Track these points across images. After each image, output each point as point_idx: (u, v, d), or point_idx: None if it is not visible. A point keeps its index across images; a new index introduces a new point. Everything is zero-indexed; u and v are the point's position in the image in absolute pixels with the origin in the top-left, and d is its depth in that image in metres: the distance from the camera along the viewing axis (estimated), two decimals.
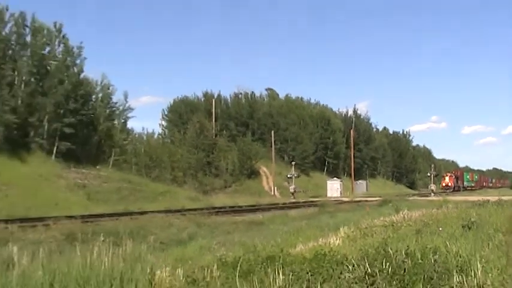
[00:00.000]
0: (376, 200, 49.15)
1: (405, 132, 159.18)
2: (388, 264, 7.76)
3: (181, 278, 7.97)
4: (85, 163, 57.60)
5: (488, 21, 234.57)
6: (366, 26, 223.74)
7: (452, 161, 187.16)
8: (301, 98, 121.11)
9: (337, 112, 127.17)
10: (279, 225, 24.19)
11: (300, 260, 8.70)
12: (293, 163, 77.46)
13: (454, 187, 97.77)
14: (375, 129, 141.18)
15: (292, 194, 70.81)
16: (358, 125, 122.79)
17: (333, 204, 45.69)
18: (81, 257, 8.28)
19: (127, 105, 71.24)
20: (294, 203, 53.69)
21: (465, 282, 7.49)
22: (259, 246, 11.79)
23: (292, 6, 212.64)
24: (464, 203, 31.09)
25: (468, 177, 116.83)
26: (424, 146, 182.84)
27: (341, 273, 7.77)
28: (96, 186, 51.99)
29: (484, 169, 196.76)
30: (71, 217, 24.46)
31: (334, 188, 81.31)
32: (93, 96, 64.83)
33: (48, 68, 57.56)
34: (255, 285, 7.52)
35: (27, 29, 56.86)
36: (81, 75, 61.44)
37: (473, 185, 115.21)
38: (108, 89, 66.84)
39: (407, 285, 7.37)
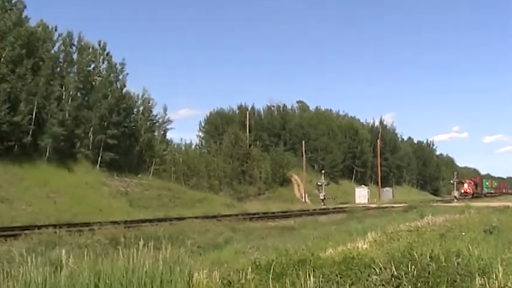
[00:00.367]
0: (402, 206, 48.68)
1: (429, 142, 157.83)
2: (413, 267, 7.70)
3: (218, 280, 7.99)
4: (127, 172, 58.12)
5: (508, 33, 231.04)
6: (392, 42, 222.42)
7: (474, 169, 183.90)
8: (330, 110, 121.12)
9: (364, 123, 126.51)
10: (310, 230, 24.05)
11: (330, 263, 8.66)
12: (323, 171, 77.34)
13: (473, 193, 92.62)
14: (400, 139, 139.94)
15: (322, 200, 70.52)
16: (384, 135, 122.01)
17: (360, 210, 45.34)
18: (124, 259, 8.36)
19: (166, 117, 71.83)
20: (323, 209, 53.55)
21: (487, 285, 7.39)
22: (291, 250, 11.73)
23: (322, 21, 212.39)
24: (486, 208, 30.63)
25: (487, 183, 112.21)
26: (447, 154, 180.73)
27: (369, 275, 7.72)
28: (138, 194, 52.38)
29: (505, 176, 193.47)
30: (114, 222, 24.65)
31: (361, 195, 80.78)
32: (135, 110, 65.44)
33: (93, 83, 58.32)
34: (287, 287, 7.51)
35: (74, 48, 57.75)
36: (124, 90, 62.11)
37: (492, 191, 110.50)
38: (149, 102, 67.43)
39: (431, 287, 7.30)
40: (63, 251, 9.50)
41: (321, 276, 7.72)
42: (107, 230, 20.97)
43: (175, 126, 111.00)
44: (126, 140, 60.68)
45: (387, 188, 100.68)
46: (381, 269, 7.93)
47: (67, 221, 29.81)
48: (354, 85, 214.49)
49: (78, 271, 7.96)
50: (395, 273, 7.58)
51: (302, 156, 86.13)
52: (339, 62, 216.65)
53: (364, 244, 13.32)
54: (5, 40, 47.05)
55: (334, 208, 53.92)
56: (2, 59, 46.42)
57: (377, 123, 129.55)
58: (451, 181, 79.77)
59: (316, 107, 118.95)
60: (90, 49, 58.59)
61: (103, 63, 60.32)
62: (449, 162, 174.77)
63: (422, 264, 7.94)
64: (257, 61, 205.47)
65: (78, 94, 56.23)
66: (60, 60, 56.40)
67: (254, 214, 40.46)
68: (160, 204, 50.92)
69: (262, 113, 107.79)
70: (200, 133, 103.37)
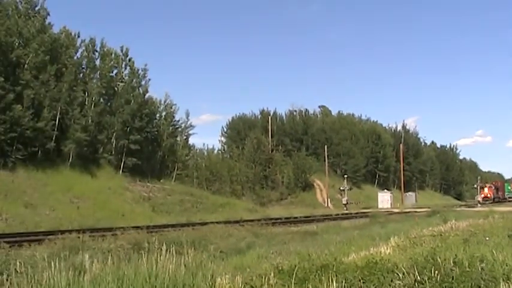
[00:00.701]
0: (425, 211, 48.45)
1: (452, 146, 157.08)
2: (436, 272, 7.65)
3: (240, 285, 7.98)
4: (150, 177, 58.44)
5: None
6: (415, 45, 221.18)
7: (498, 173, 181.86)
8: (353, 115, 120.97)
9: (387, 127, 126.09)
10: (332, 235, 23.94)
11: (353, 268, 8.61)
12: (345, 176, 77.27)
13: (493, 198, 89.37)
14: (423, 144, 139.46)
15: (345, 205, 70.41)
16: (407, 140, 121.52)
17: (383, 215, 45.11)
18: (147, 264, 8.39)
19: (188, 122, 72.18)
20: (346, 214, 53.34)
21: None
22: (313, 255, 11.69)
23: (340, 23, 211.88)
24: (510, 213, 30.32)
25: (510, 188, 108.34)
26: (470, 159, 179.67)
27: (392, 280, 7.68)
28: (160, 199, 52.61)
29: None
30: (137, 227, 24.72)
31: (384, 199, 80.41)
32: (157, 115, 65.84)
33: (116, 89, 58.76)
34: None
35: (97, 54, 58.25)
36: (146, 96, 62.59)
37: None
38: (171, 107, 67.79)
39: None
40: (87, 256, 9.57)
41: (344, 281, 7.69)
42: (130, 235, 21.06)
43: (198, 132, 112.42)
44: (148, 145, 61.01)
45: (410, 193, 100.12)
46: (404, 274, 7.88)
47: (90, 226, 29.98)
48: (376, 89, 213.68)
49: (102, 276, 8.01)
50: (418, 278, 7.54)
51: (324, 161, 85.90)
52: (361, 66, 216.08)
53: (387, 249, 13.26)
54: (29, 47, 47.60)
55: (357, 213, 53.68)
56: (25, 66, 46.95)
57: (399, 128, 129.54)
58: (475, 185, 79.00)
59: (339, 112, 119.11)
60: (113, 55, 59.06)
61: (125, 69, 60.87)
62: (472, 166, 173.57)
63: (446, 269, 7.88)
64: (279, 66, 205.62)
65: (101, 100, 56.68)
66: (83, 66, 56.97)
67: (276, 219, 40.40)
68: (183, 209, 51.06)
69: (284, 117, 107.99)
70: (222, 138, 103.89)
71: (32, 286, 7.80)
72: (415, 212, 50.66)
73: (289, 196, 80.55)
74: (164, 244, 10.65)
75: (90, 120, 52.73)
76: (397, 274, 7.92)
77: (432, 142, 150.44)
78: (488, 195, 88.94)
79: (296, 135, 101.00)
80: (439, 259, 8.49)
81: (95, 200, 44.36)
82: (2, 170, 42.16)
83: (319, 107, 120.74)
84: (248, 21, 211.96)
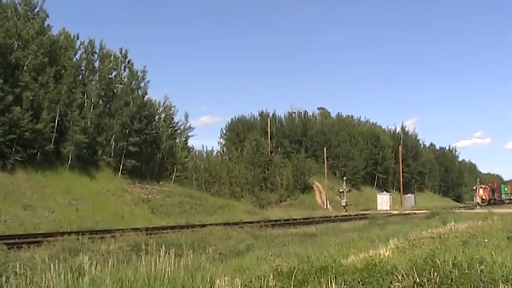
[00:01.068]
0: (424, 213, 48.48)
1: (451, 148, 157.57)
2: (435, 274, 7.66)
3: (240, 287, 7.99)
4: (149, 179, 58.45)
5: None
6: (413, 47, 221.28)
7: (497, 175, 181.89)
8: (352, 117, 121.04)
9: (386, 129, 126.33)
10: (332, 237, 23.94)
11: (352, 270, 8.62)
12: (344, 178, 77.30)
13: (489, 200, 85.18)
14: (422, 145, 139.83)
15: (344, 207, 70.43)
16: (406, 141, 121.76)
17: (382, 217, 45.09)
18: (146, 266, 8.40)
19: (188, 124, 72.00)
20: (345, 216, 53.33)
21: None
22: (312, 257, 11.70)
23: (340, 25, 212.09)
24: (509, 215, 30.36)
25: (507, 189, 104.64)
26: (469, 160, 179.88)
27: (391, 282, 7.69)
28: (160, 201, 52.60)
29: None
30: (136, 229, 24.68)
31: (383, 201, 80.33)
32: (156, 117, 65.80)
33: (115, 91, 58.69)
34: None
35: (96, 56, 58.23)
36: (145, 98, 62.50)
37: None
38: (170, 109, 67.70)
39: None
40: (86, 258, 9.58)
41: (343, 283, 7.70)
42: (129, 236, 21.03)
43: (197, 134, 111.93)
44: (147, 147, 61.03)
45: (409, 195, 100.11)
46: (403, 276, 7.89)
47: (89, 228, 30.00)
48: (376, 91, 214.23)
49: (101, 278, 8.01)
50: (417, 280, 7.55)
51: (324, 162, 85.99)
52: (360, 68, 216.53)
53: (386, 251, 13.28)
54: (28, 49, 47.57)
55: (356, 215, 53.66)
56: (24, 68, 46.93)
57: (399, 130, 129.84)
58: (474, 187, 78.63)
59: (338, 114, 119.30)
60: (112, 57, 58.96)
61: (124, 70, 60.75)
62: (471, 168, 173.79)
63: (445, 271, 7.90)
64: (278, 68, 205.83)
65: (100, 102, 56.63)
66: (82, 68, 56.89)
67: (276, 221, 40.41)
68: (182, 211, 51.07)
69: (283, 119, 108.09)
70: (221, 140, 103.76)
71: None
72: (414, 213, 50.67)
73: (288, 198, 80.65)
74: (163, 246, 10.67)
75: (89, 122, 52.70)
76: (396, 276, 7.93)
77: (431, 144, 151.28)
78: (484, 197, 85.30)
79: (295, 137, 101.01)
80: (438, 261, 8.50)
81: (94, 202, 44.35)
82: (1, 171, 42.11)
83: (318, 108, 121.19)
84: (248, 23, 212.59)
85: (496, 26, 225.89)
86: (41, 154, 47.51)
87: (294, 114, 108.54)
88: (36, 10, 52.04)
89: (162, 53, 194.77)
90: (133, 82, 60.43)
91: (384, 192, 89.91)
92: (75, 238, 20.06)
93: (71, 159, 49.82)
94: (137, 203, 49.51)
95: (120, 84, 59.37)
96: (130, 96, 58.65)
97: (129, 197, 50.47)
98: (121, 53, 60.25)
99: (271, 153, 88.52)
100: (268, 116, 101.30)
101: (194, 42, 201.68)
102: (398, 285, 7.46)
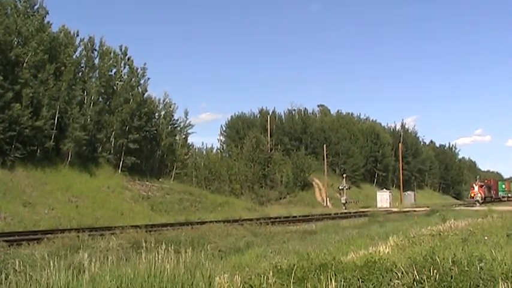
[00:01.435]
0: (424, 210, 48.51)
1: (451, 145, 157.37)
2: (435, 271, 7.65)
3: (239, 285, 7.99)
4: (149, 176, 58.44)
5: None
6: (413, 45, 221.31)
7: (497, 172, 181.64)
8: (352, 114, 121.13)
9: (385, 127, 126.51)
10: (331, 234, 23.93)
11: (351, 267, 8.62)
12: (344, 175, 77.37)
13: (484, 198, 79.23)
14: (422, 143, 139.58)
15: (344, 204, 70.48)
16: (406, 139, 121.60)
17: (382, 214, 45.11)
18: (146, 263, 8.40)
19: (187, 121, 71.91)
20: (345, 213, 53.35)
21: None
22: (312, 254, 11.71)
23: (339, 23, 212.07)
24: (509, 213, 30.37)
25: (504, 186, 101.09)
26: (469, 158, 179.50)
27: (390, 280, 7.69)
28: (159, 198, 52.61)
29: None
30: (136, 226, 24.72)
31: (383, 198, 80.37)
32: (156, 114, 65.80)
33: (115, 88, 58.66)
34: None
35: (96, 53, 58.19)
36: (145, 95, 62.48)
37: (510, 195, 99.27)
38: (170, 107, 67.63)
39: None
40: (86, 255, 9.57)
41: (343, 280, 7.70)
42: (129, 234, 21.05)
43: (197, 131, 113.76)
44: (147, 145, 61.05)
45: (409, 192, 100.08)
46: (402, 273, 7.90)
47: (89, 225, 30.04)
48: (376, 88, 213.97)
49: (100, 275, 8.02)
50: (417, 277, 7.55)
51: (323, 160, 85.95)
52: (360, 65, 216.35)
53: (386, 248, 13.28)
54: (28, 45, 47.57)
55: (356, 212, 53.72)
56: (24, 64, 46.90)
57: (398, 127, 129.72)
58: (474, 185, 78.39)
59: (338, 111, 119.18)
60: (112, 54, 58.91)
61: (124, 68, 60.71)
62: (471, 165, 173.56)
63: (445, 268, 7.90)
64: (278, 65, 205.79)
65: (100, 99, 56.64)
66: (82, 65, 56.84)
67: (275, 218, 40.42)
68: (182, 208, 51.09)
69: (283, 117, 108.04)
70: (221, 137, 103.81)
71: (30, 285, 7.82)
72: (414, 211, 50.72)
73: (288, 195, 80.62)
74: (163, 243, 10.67)
75: (89, 119, 52.69)
76: (396, 273, 7.93)
77: (431, 141, 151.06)
78: (479, 195, 78.51)
79: (295, 134, 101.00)
80: (437, 258, 8.51)
81: (93, 199, 44.36)
82: (1, 168, 42.12)
83: (318, 106, 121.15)
84: (247, 21, 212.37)
85: (496, 24, 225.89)
86: (41, 151, 47.47)
87: (293, 112, 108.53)
88: (36, 7, 52.08)
89: (162, 50, 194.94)
90: (133, 79, 60.38)
91: (384, 189, 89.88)
92: (75, 235, 20.07)
93: (71, 156, 49.81)
94: (137, 200, 49.52)
95: (120, 81, 59.32)
96: (130, 93, 58.63)
97: (128, 194, 50.46)
98: (121, 50, 60.25)
99: (271, 151, 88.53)
100: (268, 113, 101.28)
101: (194, 39, 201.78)
102: (398, 283, 7.46)
